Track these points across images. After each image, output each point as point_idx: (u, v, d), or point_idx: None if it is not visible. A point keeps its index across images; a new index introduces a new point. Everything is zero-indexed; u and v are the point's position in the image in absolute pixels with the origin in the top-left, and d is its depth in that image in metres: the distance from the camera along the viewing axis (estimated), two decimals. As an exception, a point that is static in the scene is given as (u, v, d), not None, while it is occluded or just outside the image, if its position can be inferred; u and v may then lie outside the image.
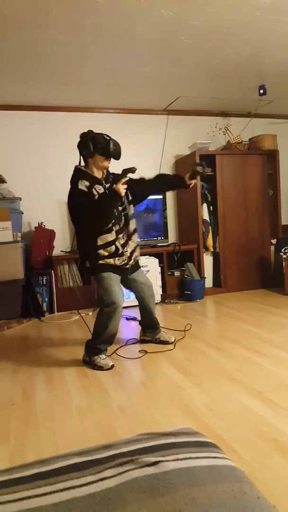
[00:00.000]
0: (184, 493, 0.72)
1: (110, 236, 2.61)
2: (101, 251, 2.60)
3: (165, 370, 2.53)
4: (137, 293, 2.92)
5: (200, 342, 3.04)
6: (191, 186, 2.83)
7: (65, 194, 4.69)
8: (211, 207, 4.87)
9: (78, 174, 2.63)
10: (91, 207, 2.53)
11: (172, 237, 5.20)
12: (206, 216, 4.81)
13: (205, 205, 4.82)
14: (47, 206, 4.71)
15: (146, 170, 4.94)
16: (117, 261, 2.65)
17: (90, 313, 4.15)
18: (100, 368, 2.61)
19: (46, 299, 4.34)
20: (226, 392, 2.16)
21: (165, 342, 3.01)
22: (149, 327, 3.06)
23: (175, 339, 3.04)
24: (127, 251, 2.71)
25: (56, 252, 4.59)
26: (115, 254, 2.63)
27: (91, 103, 4.68)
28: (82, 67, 3.65)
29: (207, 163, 4.73)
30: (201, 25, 3.02)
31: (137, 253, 2.84)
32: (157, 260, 4.48)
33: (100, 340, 2.67)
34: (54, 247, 4.52)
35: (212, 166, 4.79)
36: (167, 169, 5.16)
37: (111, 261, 2.63)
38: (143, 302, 2.95)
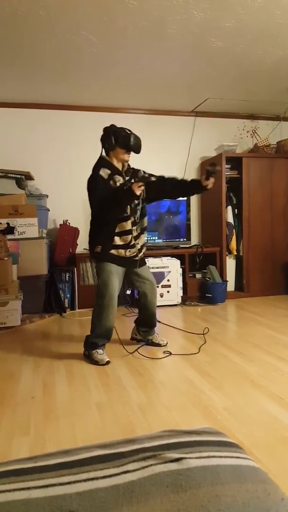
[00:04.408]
0: (208, 490, 0.72)
1: (127, 225, 2.67)
2: (116, 238, 2.66)
3: (185, 372, 2.53)
4: (140, 289, 2.91)
5: (221, 346, 3.01)
6: (208, 187, 2.67)
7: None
8: (235, 210, 4.83)
9: (101, 162, 2.71)
10: (107, 198, 2.58)
11: (194, 239, 5.18)
12: (230, 219, 4.78)
13: (229, 208, 4.78)
14: (72, 204, 4.77)
15: (172, 171, 4.99)
16: (128, 253, 2.71)
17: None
18: (96, 363, 2.68)
19: (68, 296, 4.39)
20: (247, 396, 2.13)
21: (157, 345, 3.00)
22: (145, 326, 3.04)
23: (167, 343, 3.01)
24: (138, 243, 2.77)
25: (79, 250, 4.64)
26: (128, 245, 2.69)
27: (119, 104, 4.72)
28: (112, 68, 3.68)
29: (234, 166, 4.77)
30: (233, 27, 3.01)
31: (144, 249, 2.88)
32: (178, 261, 4.48)
33: (96, 334, 2.74)
34: (77, 244, 4.57)
35: (238, 168, 4.76)
36: (193, 171, 5.15)
37: (122, 252, 2.68)
38: (146, 298, 2.92)
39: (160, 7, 2.70)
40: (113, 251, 2.67)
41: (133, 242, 2.71)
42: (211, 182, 2.67)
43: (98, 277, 2.74)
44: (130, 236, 2.69)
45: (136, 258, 2.77)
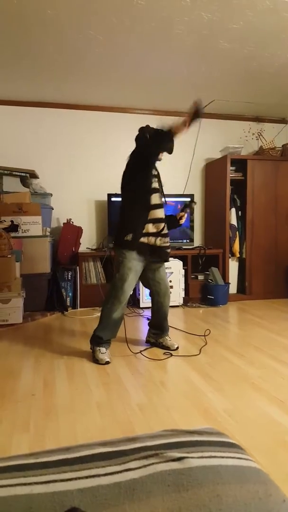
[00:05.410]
0: (209, 489, 0.72)
1: (159, 214, 2.70)
2: (149, 226, 2.66)
3: (186, 373, 2.53)
4: (154, 288, 2.92)
5: (222, 348, 3.01)
6: (181, 221, 2.97)
7: (94, 193, 4.84)
8: (239, 212, 4.83)
9: None
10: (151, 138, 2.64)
11: (197, 240, 5.18)
12: (234, 221, 4.77)
13: (233, 210, 4.78)
14: (76, 203, 4.78)
15: (176, 172, 4.99)
16: (158, 241, 2.71)
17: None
18: (96, 361, 2.69)
19: (70, 294, 4.40)
20: (247, 399, 2.13)
21: (167, 348, 2.96)
22: (156, 328, 3.04)
23: (177, 347, 2.97)
24: (167, 236, 2.78)
25: (82, 249, 4.65)
26: (159, 233, 2.70)
27: (125, 104, 4.72)
28: (118, 67, 3.69)
29: (238, 168, 4.77)
30: (241, 29, 3.01)
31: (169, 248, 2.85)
32: (181, 262, 4.47)
33: (103, 326, 2.72)
34: (80, 243, 4.58)
35: (243, 171, 4.76)
36: (197, 172, 5.15)
37: (152, 239, 2.68)
38: (158, 298, 2.93)
39: (168, 7, 2.71)
40: (143, 240, 2.65)
41: (165, 231, 2.73)
42: (184, 215, 2.98)
43: (118, 270, 2.68)
44: (162, 224, 2.71)
45: (168, 245, 2.77)
